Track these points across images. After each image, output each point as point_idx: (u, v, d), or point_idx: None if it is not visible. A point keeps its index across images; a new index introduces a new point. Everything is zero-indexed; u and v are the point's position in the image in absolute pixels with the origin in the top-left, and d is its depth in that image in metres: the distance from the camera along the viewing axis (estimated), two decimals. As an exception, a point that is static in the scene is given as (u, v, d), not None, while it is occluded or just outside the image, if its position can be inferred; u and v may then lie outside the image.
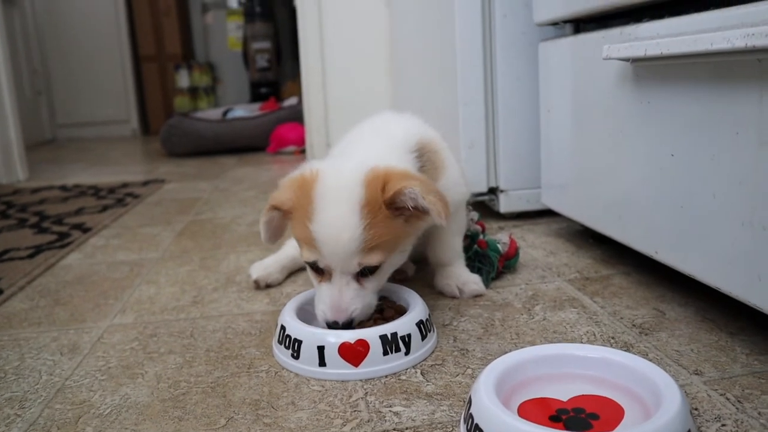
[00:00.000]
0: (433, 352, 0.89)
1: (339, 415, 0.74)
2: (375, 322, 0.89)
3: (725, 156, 0.82)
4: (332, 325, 0.87)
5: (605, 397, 0.69)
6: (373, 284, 0.89)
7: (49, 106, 4.99)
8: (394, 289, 1.00)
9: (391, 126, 1.04)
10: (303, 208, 0.86)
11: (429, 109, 1.82)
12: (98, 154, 3.91)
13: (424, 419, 0.72)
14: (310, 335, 0.85)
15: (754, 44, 0.70)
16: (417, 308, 0.91)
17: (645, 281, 1.12)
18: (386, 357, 0.83)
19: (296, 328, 0.87)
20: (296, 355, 0.85)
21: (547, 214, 1.57)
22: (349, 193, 0.84)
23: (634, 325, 0.94)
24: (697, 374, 0.79)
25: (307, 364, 0.84)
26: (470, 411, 0.65)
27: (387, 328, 0.85)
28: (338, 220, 0.83)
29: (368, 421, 0.73)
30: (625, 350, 0.86)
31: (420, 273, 1.21)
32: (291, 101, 3.80)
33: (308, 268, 0.91)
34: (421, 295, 0.96)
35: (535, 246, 1.37)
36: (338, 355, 0.83)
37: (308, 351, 0.84)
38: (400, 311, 0.94)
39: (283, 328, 0.89)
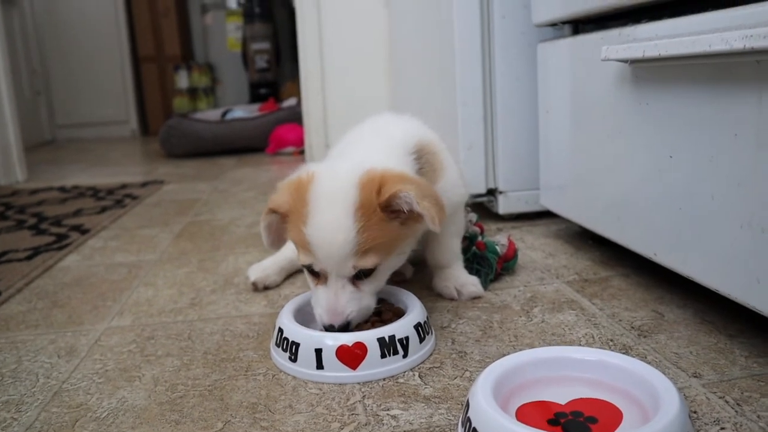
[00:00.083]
0: (431, 354, 0.89)
1: (336, 419, 0.74)
2: (373, 325, 0.89)
3: (724, 157, 0.82)
4: (329, 328, 0.87)
5: (603, 401, 0.69)
6: (369, 287, 0.89)
7: (48, 107, 4.99)
8: (392, 292, 1.00)
9: (390, 127, 1.04)
10: (298, 212, 0.86)
11: (428, 111, 1.82)
12: (97, 154, 3.91)
13: (421, 422, 0.72)
14: (308, 338, 0.85)
15: (753, 46, 0.70)
16: (415, 311, 0.90)
17: (644, 283, 1.12)
18: (384, 360, 0.83)
19: (294, 331, 0.87)
20: (294, 358, 0.85)
21: (545, 215, 1.56)
22: (343, 196, 0.83)
23: (632, 328, 0.94)
24: (695, 377, 0.79)
25: (305, 367, 0.84)
26: (468, 414, 0.65)
27: (385, 331, 0.85)
28: (332, 223, 0.83)
29: (366, 425, 0.72)
30: (623, 353, 0.86)
31: (418, 275, 1.21)
32: (290, 102, 3.79)
33: (305, 271, 0.91)
34: (419, 297, 0.96)
35: (533, 247, 1.37)
36: (336, 358, 0.83)
37: (306, 354, 0.84)
38: (398, 313, 0.94)
39: (280, 330, 0.89)
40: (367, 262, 0.85)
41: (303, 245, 0.86)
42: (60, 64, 4.99)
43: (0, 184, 2.78)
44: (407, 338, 0.85)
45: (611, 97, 1.09)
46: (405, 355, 0.85)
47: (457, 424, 0.70)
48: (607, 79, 1.09)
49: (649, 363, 0.82)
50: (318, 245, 0.84)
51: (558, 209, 1.38)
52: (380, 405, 0.76)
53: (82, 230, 1.76)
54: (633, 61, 0.99)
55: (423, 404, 0.76)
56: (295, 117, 3.38)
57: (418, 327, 0.87)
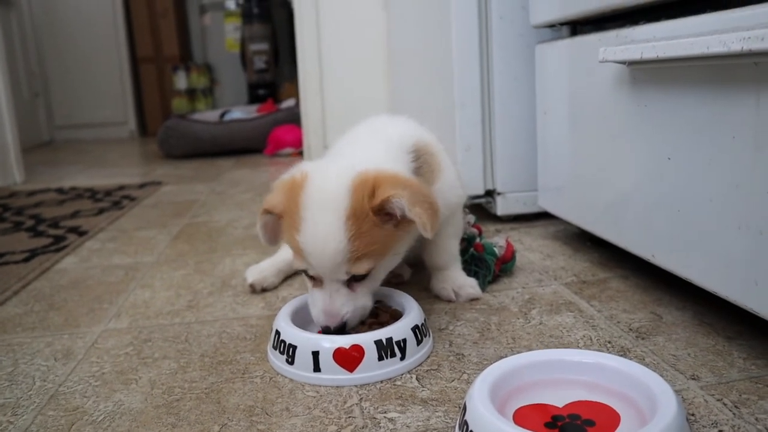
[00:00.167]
0: (428, 357, 0.89)
1: (333, 421, 0.74)
2: (370, 327, 0.89)
3: (722, 159, 0.82)
4: (325, 330, 0.87)
5: (601, 403, 0.69)
6: (365, 288, 0.89)
7: (46, 108, 4.99)
8: (389, 294, 0.99)
9: (387, 127, 1.04)
10: (291, 216, 0.86)
11: (426, 112, 1.82)
12: (96, 156, 3.90)
13: (419, 425, 0.72)
14: (305, 340, 0.85)
15: (750, 48, 0.69)
16: (412, 313, 0.90)
17: (642, 285, 1.11)
18: (381, 362, 0.83)
19: (291, 334, 0.86)
20: (291, 361, 0.85)
21: (544, 216, 1.56)
22: (334, 202, 0.83)
23: (630, 330, 0.94)
24: (694, 379, 0.78)
25: (302, 370, 0.84)
26: (465, 418, 0.65)
27: (382, 333, 0.84)
28: (323, 232, 0.83)
29: (363, 428, 0.72)
30: (621, 355, 0.86)
31: (416, 276, 1.20)
32: (288, 103, 3.79)
33: (303, 273, 0.91)
34: (417, 299, 0.96)
35: (532, 249, 1.37)
36: (333, 361, 0.82)
37: (303, 356, 0.84)
38: (396, 316, 0.93)
39: (277, 333, 0.88)
40: (361, 268, 0.85)
41: (296, 251, 0.87)
42: (58, 65, 4.99)
43: (-2, 185, 2.78)
44: (404, 340, 0.85)
45: (609, 98, 1.08)
46: (402, 358, 0.84)
47: (455, 427, 0.70)
48: (605, 80, 1.09)
49: (647, 365, 0.81)
50: (310, 253, 0.84)
51: (556, 211, 1.38)
52: (377, 408, 0.76)
53: (80, 232, 1.76)
54: (631, 63, 0.99)
55: (420, 407, 0.76)
56: (294, 118, 3.38)
57: (415, 329, 0.87)
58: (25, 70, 4.63)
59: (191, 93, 5.13)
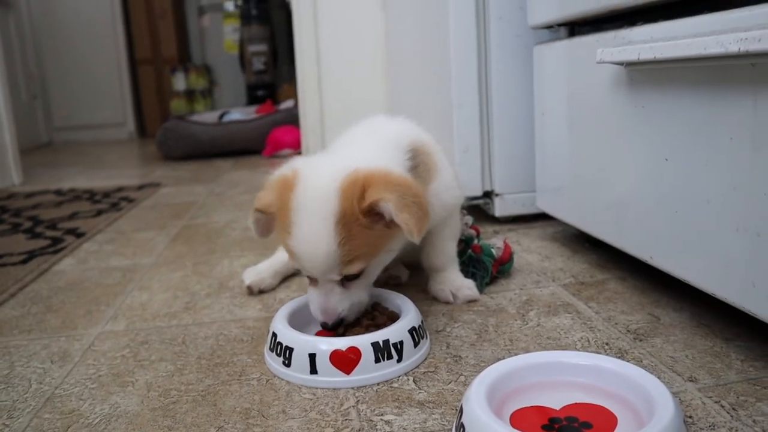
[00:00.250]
0: (425, 359, 0.88)
1: (330, 424, 0.74)
2: (367, 329, 0.89)
3: (719, 161, 0.81)
4: (324, 326, 0.89)
5: (598, 406, 0.69)
6: (360, 285, 0.90)
7: (45, 110, 4.98)
8: (386, 295, 0.99)
9: (384, 126, 1.04)
10: (282, 218, 0.86)
11: (424, 113, 1.82)
12: (94, 157, 3.90)
13: (415, 428, 0.72)
14: (302, 342, 0.84)
15: (748, 49, 0.69)
16: (410, 315, 0.90)
17: (640, 286, 1.11)
18: (378, 364, 0.83)
19: (287, 336, 0.86)
20: (288, 363, 0.84)
21: (542, 217, 1.56)
22: (323, 206, 0.82)
23: (628, 331, 0.94)
24: (691, 381, 0.78)
25: (299, 372, 0.83)
26: (461, 420, 0.65)
27: (379, 335, 0.84)
28: (313, 236, 0.83)
29: (359, 430, 0.72)
30: (619, 356, 0.86)
31: (414, 278, 1.20)
32: (287, 104, 3.79)
33: None
34: (414, 301, 0.96)
35: (530, 250, 1.37)
36: (330, 363, 0.82)
37: (299, 358, 0.83)
38: (393, 318, 0.93)
39: (274, 335, 0.88)
40: (352, 269, 0.85)
41: (290, 253, 0.88)
42: (57, 66, 4.98)
43: (-4, 187, 2.78)
44: (401, 342, 0.85)
45: (607, 99, 1.08)
46: (399, 360, 0.84)
47: (451, 430, 0.70)
48: (602, 81, 1.09)
49: (644, 367, 0.81)
50: (301, 257, 0.85)
51: (554, 212, 1.38)
52: (374, 410, 0.76)
53: (78, 234, 1.76)
54: (628, 64, 0.98)
55: (417, 409, 0.75)
56: (292, 119, 3.38)
57: (412, 331, 0.87)
58: (24, 72, 4.63)
59: (190, 94, 5.13)
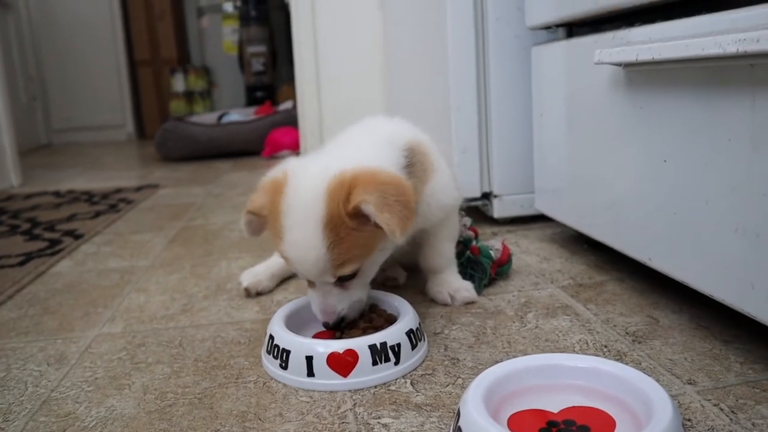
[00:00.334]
0: (423, 361, 0.88)
1: (327, 427, 0.73)
2: (364, 332, 0.89)
3: (718, 162, 0.81)
4: (325, 326, 0.90)
5: (596, 409, 0.68)
6: (357, 285, 0.90)
7: (44, 111, 4.98)
8: (384, 297, 0.99)
9: (381, 126, 1.04)
10: (273, 222, 0.86)
11: (423, 114, 1.81)
12: (93, 158, 3.89)
13: (413, 431, 0.71)
14: (299, 345, 0.84)
15: (746, 49, 0.69)
16: (407, 317, 0.89)
17: (639, 287, 1.11)
18: (375, 367, 0.82)
19: (284, 338, 0.86)
20: (284, 366, 0.84)
21: (541, 219, 1.56)
22: (311, 210, 0.82)
23: (627, 333, 0.93)
24: (690, 384, 0.78)
25: (296, 375, 0.83)
26: (459, 424, 0.64)
27: (376, 338, 0.84)
28: (302, 242, 0.83)
29: (356, 434, 0.72)
30: (618, 359, 0.85)
31: (412, 280, 1.20)
32: (286, 105, 3.79)
33: None
34: (412, 303, 0.95)
35: (528, 252, 1.36)
36: (327, 366, 0.82)
37: (296, 361, 0.83)
38: (390, 320, 0.93)
39: (271, 337, 0.88)
40: (345, 270, 0.85)
41: (283, 258, 0.88)
42: (56, 68, 4.98)
43: (-6, 188, 2.77)
44: (399, 345, 0.84)
45: (605, 100, 1.08)
46: (397, 362, 0.84)
47: (449, 433, 0.69)
48: (601, 82, 1.09)
49: (643, 369, 0.81)
50: (293, 261, 0.86)
51: (553, 213, 1.38)
52: (371, 413, 0.76)
53: (76, 235, 1.75)
54: (626, 65, 0.98)
55: (414, 412, 0.75)
56: (292, 120, 3.37)
57: (410, 333, 0.87)
58: (23, 74, 4.62)
59: (189, 95, 5.13)
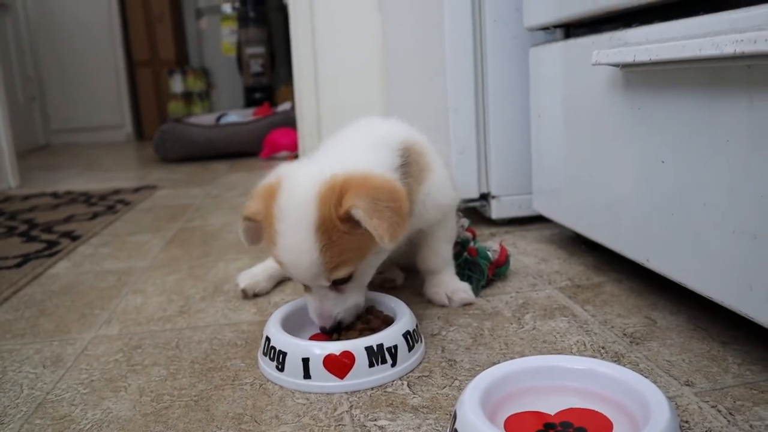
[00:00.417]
0: (420, 363, 0.88)
1: (323, 429, 0.73)
2: (361, 333, 0.88)
3: (716, 163, 0.81)
4: (322, 330, 0.89)
5: (593, 411, 0.68)
6: (353, 288, 0.89)
7: (42, 112, 4.97)
8: (381, 299, 0.98)
9: (375, 126, 1.03)
10: (268, 227, 0.86)
11: (421, 115, 1.81)
12: (92, 159, 3.89)
13: (409, 433, 0.71)
14: (295, 347, 0.84)
15: (743, 50, 0.69)
16: (404, 318, 0.89)
17: (637, 288, 1.11)
18: (372, 369, 0.82)
19: (281, 340, 0.85)
20: (281, 368, 0.84)
21: (539, 219, 1.55)
22: (302, 215, 0.81)
23: (625, 335, 0.93)
24: (688, 385, 0.77)
25: (292, 377, 0.83)
26: (455, 426, 0.64)
27: (373, 340, 0.84)
28: (295, 247, 0.82)
29: (353, 436, 0.71)
30: (615, 360, 0.85)
31: (409, 281, 1.19)
32: (285, 106, 3.78)
33: None
34: (409, 304, 0.95)
35: (526, 253, 1.36)
36: (323, 368, 0.81)
37: (293, 363, 0.83)
38: (387, 321, 0.92)
39: (267, 339, 0.88)
40: (339, 274, 0.84)
41: (278, 262, 0.88)
42: (54, 69, 4.97)
43: (-8, 189, 2.77)
44: (396, 347, 0.84)
45: (603, 101, 1.08)
46: (393, 364, 0.83)
47: (445, 435, 0.69)
48: (599, 83, 1.09)
49: (641, 371, 0.81)
50: (287, 266, 0.85)
51: (551, 214, 1.38)
52: (367, 415, 0.75)
53: (73, 237, 1.75)
54: (624, 66, 0.98)
55: (411, 414, 0.75)
56: (290, 121, 3.37)
57: (407, 335, 0.86)
58: (21, 74, 4.61)
59: (188, 96, 5.12)
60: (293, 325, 0.93)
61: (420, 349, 0.89)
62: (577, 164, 1.21)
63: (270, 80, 4.94)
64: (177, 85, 5.06)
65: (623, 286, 1.12)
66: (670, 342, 0.89)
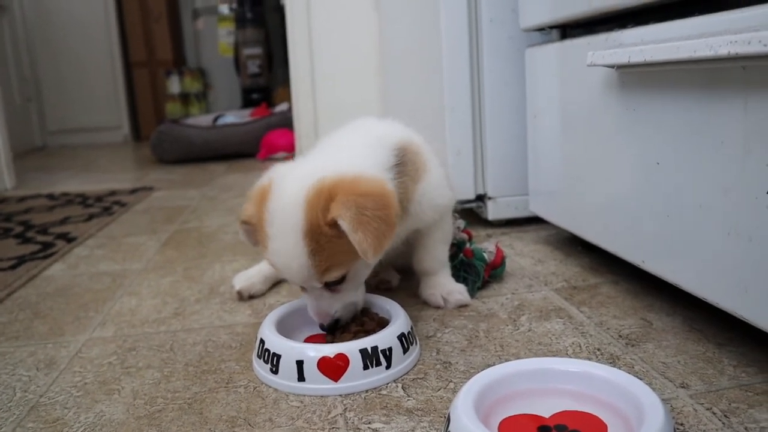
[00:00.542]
0: (415, 365, 0.87)
1: (317, 433, 0.73)
2: (356, 335, 0.88)
3: (710, 164, 0.81)
4: (321, 327, 0.90)
5: (588, 413, 0.68)
6: (347, 288, 0.89)
7: (39, 113, 4.96)
8: (375, 301, 0.98)
9: (371, 126, 1.03)
10: (260, 231, 0.86)
11: (418, 115, 1.81)
12: (88, 161, 3.88)
13: (403, 436, 0.71)
14: (289, 349, 0.83)
15: (737, 51, 0.68)
16: (399, 320, 0.89)
17: (633, 290, 1.10)
18: (366, 371, 0.82)
19: (275, 342, 0.85)
20: (275, 370, 0.83)
21: (535, 221, 1.55)
22: (291, 218, 0.81)
23: (620, 336, 0.93)
24: (683, 387, 0.77)
25: (286, 379, 0.82)
26: (449, 429, 0.64)
27: (367, 342, 0.83)
28: (284, 250, 0.82)
29: (346, 439, 0.71)
30: (611, 362, 0.85)
31: (405, 282, 1.19)
32: (282, 107, 3.78)
33: None
34: (404, 306, 0.95)
35: (522, 254, 1.36)
36: (317, 370, 0.81)
37: (287, 365, 0.82)
38: (382, 323, 0.92)
39: (262, 342, 0.87)
40: (331, 276, 0.84)
41: (271, 265, 0.88)
42: (51, 70, 4.96)
43: (-12, 191, 2.76)
44: (390, 349, 0.84)
45: (599, 102, 1.08)
46: (388, 367, 0.83)
47: (440, 438, 0.69)
48: (594, 84, 1.08)
49: (636, 373, 0.81)
50: (279, 269, 0.86)
51: (547, 215, 1.37)
52: (361, 418, 0.75)
53: (69, 238, 1.74)
54: (619, 67, 0.98)
55: (405, 417, 0.74)
56: (287, 122, 3.37)
57: (401, 337, 0.86)
58: (18, 75, 4.61)
59: (185, 97, 5.12)
60: (288, 327, 0.92)
61: (415, 351, 0.89)
62: (573, 165, 1.21)
63: (267, 81, 4.94)
64: (174, 86, 5.06)
65: (619, 288, 1.12)
66: (665, 344, 0.89)
